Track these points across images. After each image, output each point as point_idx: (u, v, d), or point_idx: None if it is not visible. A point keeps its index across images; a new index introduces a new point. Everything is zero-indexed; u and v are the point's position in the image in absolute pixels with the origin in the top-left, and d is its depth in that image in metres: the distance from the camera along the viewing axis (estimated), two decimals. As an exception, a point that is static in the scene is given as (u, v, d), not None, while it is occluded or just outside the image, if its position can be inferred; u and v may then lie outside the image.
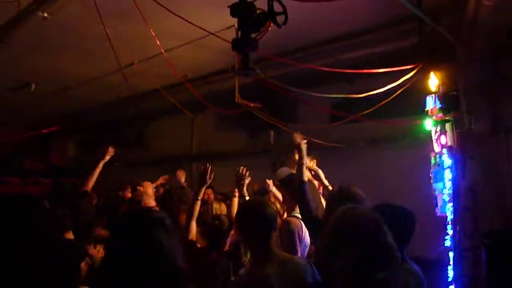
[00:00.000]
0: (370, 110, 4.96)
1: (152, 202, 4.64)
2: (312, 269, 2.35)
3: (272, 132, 7.63)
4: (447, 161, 4.11)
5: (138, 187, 4.98)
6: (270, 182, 4.48)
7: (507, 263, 3.47)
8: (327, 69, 5.11)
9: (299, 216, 3.47)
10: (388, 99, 4.67)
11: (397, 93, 4.58)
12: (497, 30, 3.95)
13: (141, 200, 4.52)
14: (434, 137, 4.27)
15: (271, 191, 4.45)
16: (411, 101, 4.74)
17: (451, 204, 4.06)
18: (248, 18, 2.55)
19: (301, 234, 3.49)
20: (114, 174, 8.56)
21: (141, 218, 1.61)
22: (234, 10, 2.58)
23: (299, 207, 3.42)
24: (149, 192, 4.85)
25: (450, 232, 4.05)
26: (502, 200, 3.94)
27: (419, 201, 3.97)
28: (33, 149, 11.98)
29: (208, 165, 3.52)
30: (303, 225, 3.47)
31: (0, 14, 5.02)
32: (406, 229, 2.42)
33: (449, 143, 4.07)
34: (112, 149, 4.48)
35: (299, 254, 3.39)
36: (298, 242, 3.45)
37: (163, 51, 5.04)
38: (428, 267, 2.87)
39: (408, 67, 4.49)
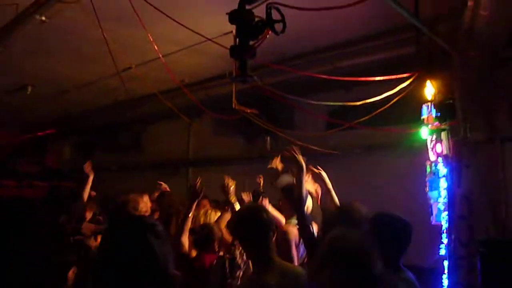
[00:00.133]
0: (366, 117, 4.98)
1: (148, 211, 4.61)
2: None
3: (268, 138, 7.62)
4: (443, 170, 4.13)
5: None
6: (261, 177, 4.55)
7: (502, 271, 3.46)
8: (324, 76, 5.12)
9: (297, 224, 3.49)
10: (385, 107, 4.70)
11: (394, 101, 4.60)
12: (493, 39, 3.98)
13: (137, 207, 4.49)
14: (429, 145, 4.29)
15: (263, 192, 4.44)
16: (407, 109, 4.78)
17: (446, 212, 4.07)
18: (246, 26, 2.55)
19: (297, 241, 3.55)
20: (110, 178, 8.56)
21: (134, 224, 1.60)
22: (233, 17, 2.57)
23: (296, 219, 3.44)
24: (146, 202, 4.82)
25: (445, 240, 4.06)
26: (498, 208, 3.94)
27: (414, 208, 3.99)
28: (29, 151, 11.90)
29: (198, 180, 3.50)
30: None
31: (-2, 17, 5.01)
32: (402, 240, 2.43)
33: (444, 152, 4.08)
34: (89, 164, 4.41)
35: (296, 262, 3.43)
36: (295, 251, 3.52)
37: (160, 55, 5.05)
38: (423, 275, 2.88)
39: (405, 75, 4.52)
